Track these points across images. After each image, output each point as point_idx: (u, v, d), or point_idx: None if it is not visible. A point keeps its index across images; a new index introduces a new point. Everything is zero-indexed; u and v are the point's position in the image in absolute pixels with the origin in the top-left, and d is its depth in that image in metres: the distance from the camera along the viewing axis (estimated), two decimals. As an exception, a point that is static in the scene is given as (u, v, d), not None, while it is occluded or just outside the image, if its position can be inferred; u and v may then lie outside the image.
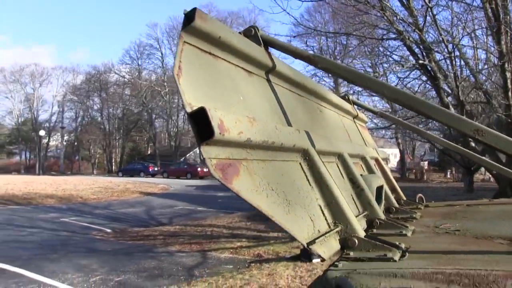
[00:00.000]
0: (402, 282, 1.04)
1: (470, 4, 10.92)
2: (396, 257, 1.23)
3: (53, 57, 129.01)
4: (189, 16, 1.16)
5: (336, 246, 1.21)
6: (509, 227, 1.77)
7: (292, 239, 13.04)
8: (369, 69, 37.28)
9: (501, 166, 3.33)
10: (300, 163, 1.24)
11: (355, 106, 3.79)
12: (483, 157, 3.74)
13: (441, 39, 10.10)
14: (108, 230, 15.87)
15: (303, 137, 1.27)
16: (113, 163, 73.48)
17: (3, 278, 8.94)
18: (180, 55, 1.10)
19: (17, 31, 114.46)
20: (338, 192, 1.28)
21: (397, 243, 1.25)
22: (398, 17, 10.44)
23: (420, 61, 10.61)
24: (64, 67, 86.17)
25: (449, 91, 11.36)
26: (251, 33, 1.63)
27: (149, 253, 11.80)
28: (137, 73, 72.21)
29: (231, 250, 12.03)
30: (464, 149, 3.43)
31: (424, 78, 14.29)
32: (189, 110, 0.93)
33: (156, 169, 54.53)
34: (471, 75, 11.89)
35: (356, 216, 1.40)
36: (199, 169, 50.98)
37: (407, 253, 1.28)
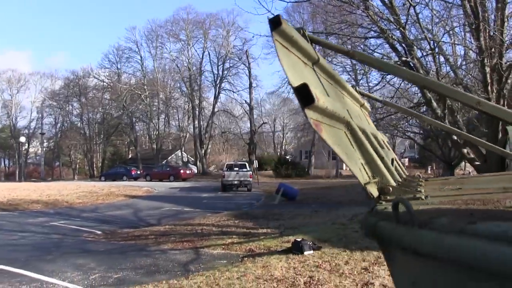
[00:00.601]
0: (434, 206, 1.37)
1: (449, 2, 11.37)
2: (423, 197, 1.56)
3: (29, 63, 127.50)
4: (275, 21, 1.47)
5: (376, 192, 1.53)
6: (501, 184, 2.11)
7: (282, 234, 13.42)
8: (348, 67, 37.95)
9: (490, 144, 3.70)
10: (345, 132, 1.55)
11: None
12: (472, 136, 4.10)
13: (423, 36, 10.55)
14: (99, 232, 16.00)
15: (346, 113, 1.59)
16: (95, 168, 73.09)
17: (6, 278, 9.09)
18: (277, 49, 1.44)
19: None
20: (374, 154, 1.60)
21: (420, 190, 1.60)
22: (381, 15, 10.88)
23: (403, 58, 11.04)
24: (42, 72, 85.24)
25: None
26: (300, 32, 1.95)
27: (143, 252, 12.00)
28: (116, 77, 71.88)
29: (223, 246, 12.30)
30: (456, 129, 3.77)
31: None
32: (294, 85, 1.24)
33: (138, 172, 54.40)
34: (451, 71, 12.42)
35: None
36: (181, 171, 51.12)
37: (429, 197, 1.61)
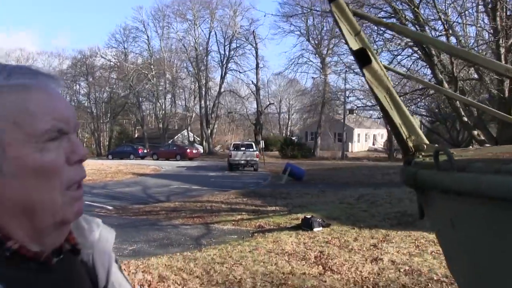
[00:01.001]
0: (466, 158, 1.54)
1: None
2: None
3: (37, 43, 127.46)
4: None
5: (412, 148, 1.69)
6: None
7: (290, 211, 13.65)
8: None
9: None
10: (384, 96, 1.71)
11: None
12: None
13: (437, 17, 10.60)
14: (110, 207, 16.30)
15: (385, 78, 1.76)
16: (102, 147, 73.53)
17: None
18: (336, 18, 1.61)
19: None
20: (409, 115, 1.76)
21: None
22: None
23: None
24: (50, 52, 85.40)
25: (442, 68, 11.87)
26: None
27: (155, 226, 12.28)
28: (123, 57, 71.84)
29: (233, 222, 12.55)
30: (479, 103, 3.89)
31: (415, 56, 14.83)
32: (354, 48, 1.41)
33: (145, 151, 54.73)
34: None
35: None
36: (188, 150, 51.36)
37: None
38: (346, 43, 1.54)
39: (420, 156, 1.64)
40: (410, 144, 1.64)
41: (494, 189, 1.06)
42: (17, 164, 0.85)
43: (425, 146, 1.68)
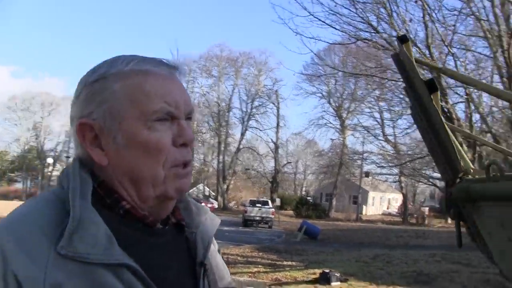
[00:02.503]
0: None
1: (481, 53, 11.92)
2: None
3: (64, 89, 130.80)
4: (403, 39, 1.98)
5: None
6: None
7: (307, 266, 13.70)
8: (376, 114, 38.43)
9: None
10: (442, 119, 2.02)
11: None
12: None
13: (458, 84, 11.05)
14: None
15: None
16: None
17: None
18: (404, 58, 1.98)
19: (29, 62, 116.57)
20: (458, 145, 2.10)
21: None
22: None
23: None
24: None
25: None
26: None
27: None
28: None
29: (249, 274, 12.61)
30: None
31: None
32: (425, 79, 1.77)
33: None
34: (479, 119, 12.84)
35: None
36: (203, 204, 51.21)
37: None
38: (410, 79, 1.87)
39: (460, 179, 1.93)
40: (461, 165, 1.93)
41: None
42: (129, 137, 1.00)
43: (471, 170, 2.00)
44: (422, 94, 1.80)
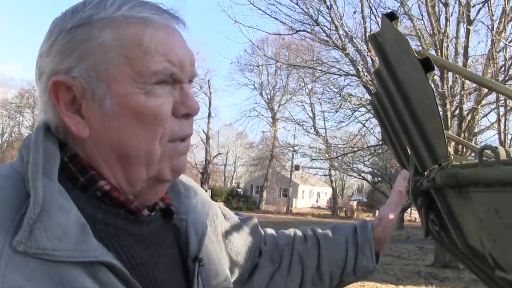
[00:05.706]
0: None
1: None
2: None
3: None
4: (391, 16, 1.73)
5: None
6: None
7: None
8: (307, 107, 38.98)
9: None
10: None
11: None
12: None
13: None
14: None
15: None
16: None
17: None
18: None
19: None
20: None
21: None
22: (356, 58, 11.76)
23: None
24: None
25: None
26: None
27: None
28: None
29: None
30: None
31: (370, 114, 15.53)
32: (419, 57, 1.54)
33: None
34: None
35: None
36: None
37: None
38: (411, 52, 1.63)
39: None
40: (449, 149, 1.73)
41: None
42: (119, 102, 0.78)
43: (451, 156, 1.80)
44: (416, 74, 1.59)
